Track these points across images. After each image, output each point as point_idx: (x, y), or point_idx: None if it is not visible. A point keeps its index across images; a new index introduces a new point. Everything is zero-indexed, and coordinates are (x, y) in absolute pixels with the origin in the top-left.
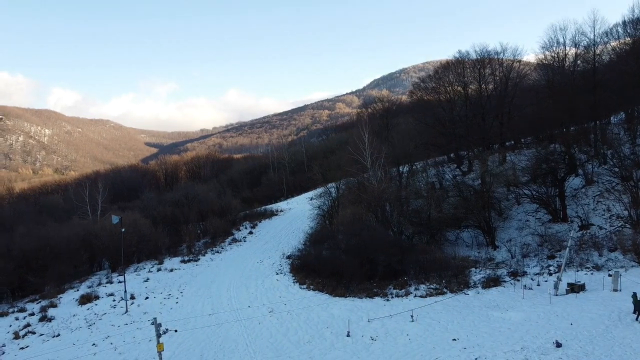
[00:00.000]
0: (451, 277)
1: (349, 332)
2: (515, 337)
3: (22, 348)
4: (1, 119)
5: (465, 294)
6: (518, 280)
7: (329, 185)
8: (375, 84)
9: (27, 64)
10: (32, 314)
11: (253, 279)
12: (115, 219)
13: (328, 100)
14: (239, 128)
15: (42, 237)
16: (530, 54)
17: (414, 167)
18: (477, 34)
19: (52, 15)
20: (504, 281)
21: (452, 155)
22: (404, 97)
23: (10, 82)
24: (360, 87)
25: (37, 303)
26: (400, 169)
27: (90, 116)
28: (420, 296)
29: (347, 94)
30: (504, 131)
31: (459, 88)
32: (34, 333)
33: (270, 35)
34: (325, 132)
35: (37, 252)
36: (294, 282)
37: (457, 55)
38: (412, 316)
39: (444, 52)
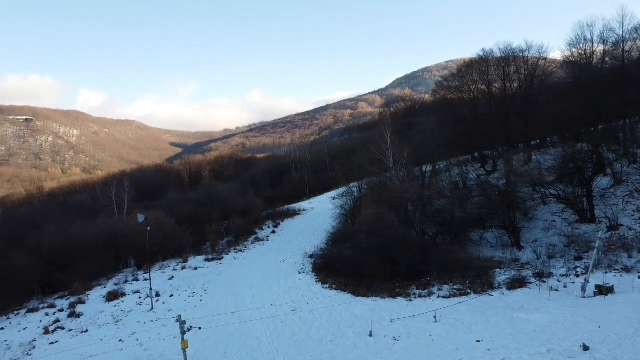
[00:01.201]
0: (475, 278)
1: (371, 332)
2: (541, 339)
3: (52, 343)
4: (32, 120)
5: (490, 295)
6: (544, 282)
7: (351, 184)
8: (398, 83)
9: (56, 66)
10: (62, 310)
11: (276, 277)
12: (140, 218)
13: (350, 100)
14: (261, 128)
15: (70, 235)
16: (557, 51)
17: (437, 166)
18: (502, 32)
19: (78, 18)
20: (530, 282)
21: (475, 154)
22: (427, 96)
23: (40, 84)
24: (383, 86)
25: (66, 299)
26: (423, 169)
27: (117, 117)
28: (444, 297)
29: (369, 93)
30: (529, 130)
31: (483, 87)
32: (63, 328)
33: (292, 36)
34: (348, 131)
35: (66, 249)
36: (316, 282)
37: (481, 54)
38: (435, 317)
39: (468, 51)
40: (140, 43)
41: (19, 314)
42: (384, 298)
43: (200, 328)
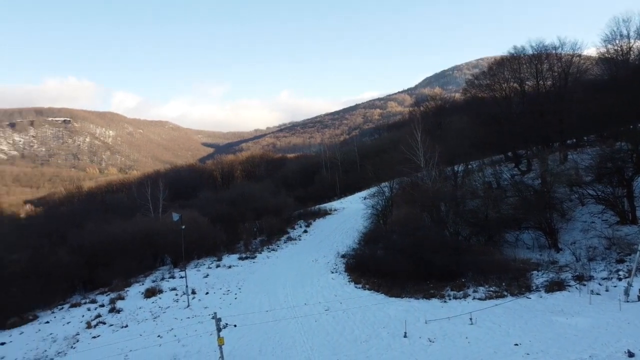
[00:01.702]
0: (511, 280)
1: (405, 332)
2: (583, 344)
3: (94, 337)
4: (69, 121)
5: (527, 297)
6: (584, 285)
7: (382, 184)
8: (427, 82)
9: (92, 69)
10: (102, 306)
11: (309, 277)
12: (175, 217)
13: (379, 99)
14: (291, 128)
15: (109, 233)
16: (591, 48)
17: (469, 166)
18: (533, 29)
19: (113, 21)
20: (569, 285)
21: (509, 154)
22: (457, 95)
23: (77, 87)
24: (412, 85)
25: (107, 295)
26: (455, 168)
27: (150, 118)
28: (479, 299)
29: (398, 92)
30: (564, 129)
31: (515, 85)
32: (104, 323)
33: (321, 36)
34: (377, 131)
35: (105, 247)
36: (349, 281)
37: (512, 51)
38: (471, 319)
39: (498, 48)
40: (172, 45)
41: (62, 308)
42: (418, 299)
43: (235, 325)
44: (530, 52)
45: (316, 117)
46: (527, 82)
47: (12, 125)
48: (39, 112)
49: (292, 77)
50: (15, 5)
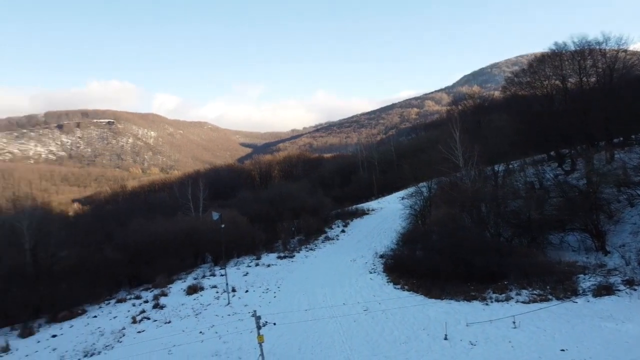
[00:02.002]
0: (556, 283)
1: (446, 335)
2: (635, 352)
3: (139, 332)
4: (113, 122)
5: (574, 301)
6: (635, 290)
7: (420, 184)
8: (465, 80)
9: (134, 72)
10: (147, 302)
11: (347, 277)
12: (215, 216)
13: (416, 98)
14: (328, 128)
15: (152, 231)
16: (638, 43)
17: (510, 166)
18: (574, 24)
19: (154, 24)
20: (618, 290)
21: (552, 153)
22: (497, 93)
23: (119, 89)
24: (450, 83)
25: (150, 291)
26: (495, 168)
27: (190, 119)
28: (522, 302)
29: (435, 91)
30: (610, 127)
31: (557, 82)
32: (148, 319)
33: (357, 36)
34: (414, 130)
35: (148, 245)
36: (387, 282)
37: (554, 47)
38: (514, 322)
39: (539, 45)
40: (210, 47)
41: (109, 303)
42: (459, 301)
43: (274, 324)
44: (572, 48)
45: (352, 117)
46: (569, 79)
47: (60, 127)
48: (85, 114)
49: (327, 77)
50: (61, 13)
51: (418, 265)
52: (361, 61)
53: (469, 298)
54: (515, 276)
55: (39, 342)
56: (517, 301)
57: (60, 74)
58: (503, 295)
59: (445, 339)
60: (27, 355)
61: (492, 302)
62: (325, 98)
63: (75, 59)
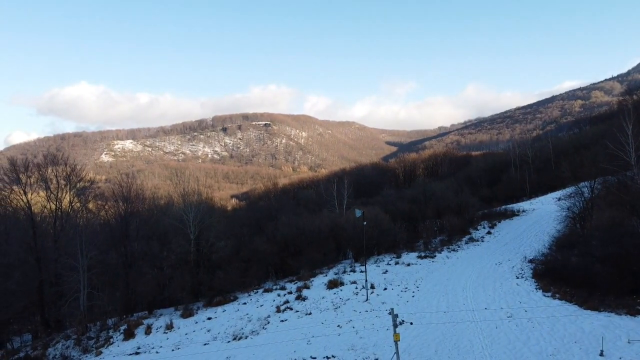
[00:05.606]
0: None
1: (602, 350)
2: None
3: (282, 321)
4: (269, 124)
5: None
6: None
7: (581, 184)
8: None
9: (290, 73)
10: (290, 293)
11: (491, 280)
12: (358, 213)
13: (581, 89)
14: (477, 124)
15: (299, 226)
16: None
17: None
18: None
19: (307, 30)
20: None
21: None
22: None
23: (276, 93)
24: (624, 70)
25: (294, 283)
26: None
27: (338, 119)
28: None
29: (605, 80)
30: None
31: None
32: (291, 309)
33: (514, 24)
34: (577, 124)
35: (294, 239)
36: (536, 289)
37: None
38: None
39: None
40: (361, 46)
41: (257, 292)
42: (620, 315)
43: (411, 323)
44: None
45: (505, 112)
46: None
47: (224, 130)
48: (245, 117)
49: (479, 70)
50: (230, 25)
51: (573, 273)
52: (517, 50)
53: (633, 312)
54: None
55: (196, 322)
56: None
57: (227, 81)
58: None
59: (601, 355)
60: (186, 334)
61: None
62: (475, 93)
63: (240, 66)
